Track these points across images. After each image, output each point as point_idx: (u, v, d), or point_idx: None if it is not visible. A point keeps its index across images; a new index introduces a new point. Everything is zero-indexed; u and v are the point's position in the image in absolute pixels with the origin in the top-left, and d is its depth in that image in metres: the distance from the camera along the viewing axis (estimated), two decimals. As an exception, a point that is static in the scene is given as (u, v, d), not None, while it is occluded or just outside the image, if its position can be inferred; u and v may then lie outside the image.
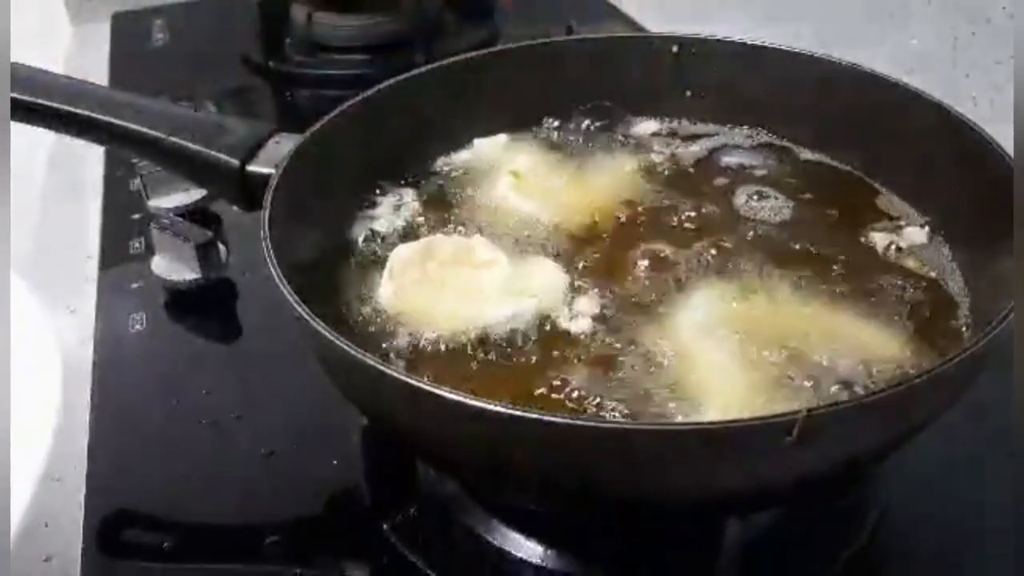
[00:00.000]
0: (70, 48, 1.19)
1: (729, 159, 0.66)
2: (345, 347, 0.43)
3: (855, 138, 0.63)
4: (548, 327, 0.52)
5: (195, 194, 0.75)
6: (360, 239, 0.60)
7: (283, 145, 0.58)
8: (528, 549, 0.52)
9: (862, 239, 0.58)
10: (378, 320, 0.53)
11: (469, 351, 0.51)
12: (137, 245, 0.76)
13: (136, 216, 0.78)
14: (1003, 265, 0.49)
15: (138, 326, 0.68)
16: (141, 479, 0.57)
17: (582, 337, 0.51)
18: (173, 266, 0.71)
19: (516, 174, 0.63)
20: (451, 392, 0.40)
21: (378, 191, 0.63)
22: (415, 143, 0.66)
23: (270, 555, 0.53)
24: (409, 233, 0.60)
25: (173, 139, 0.58)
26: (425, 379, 0.41)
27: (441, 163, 0.66)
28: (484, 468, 0.46)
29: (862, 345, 0.50)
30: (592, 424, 0.41)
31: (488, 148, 0.67)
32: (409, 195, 0.63)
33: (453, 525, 0.54)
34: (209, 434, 0.60)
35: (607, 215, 0.61)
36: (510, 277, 0.55)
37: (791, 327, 0.51)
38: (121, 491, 0.57)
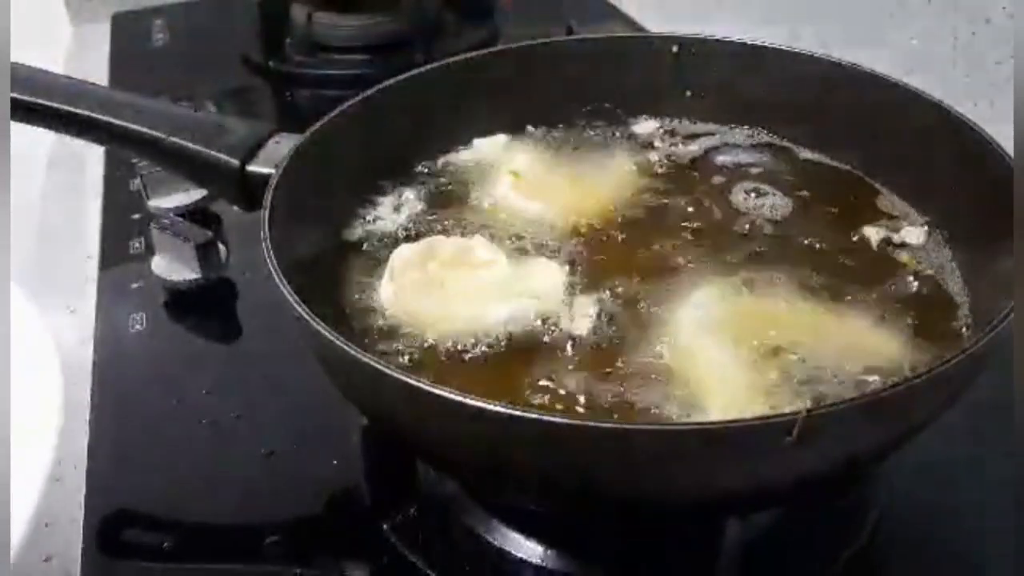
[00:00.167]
0: (70, 48, 1.19)
1: (729, 159, 0.66)
2: (345, 347, 0.43)
3: (855, 138, 0.63)
4: (548, 327, 0.52)
5: (195, 194, 0.75)
6: (360, 239, 0.60)
7: (283, 145, 0.58)
8: (528, 549, 0.52)
9: (862, 239, 0.58)
10: (378, 320, 0.53)
11: (469, 351, 0.51)
12: (137, 245, 0.76)
13: (136, 216, 0.78)
14: (1003, 265, 0.49)
15: (138, 326, 0.68)
16: (141, 479, 0.57)
17: (582, 337, 0.51)
18: (173, 266, 0.71)
19: (516, 174, 0.63)
20: (451, 392, 0.40)
21: (378, 191, 0.63)
22: (415, 143, 0.66)
23: (270, 555, 0.53)
24: (409, 233, 0.60)
25: (173, 139, 0.58)
26: (425, 379, 0.41)
27: (441, 163, 0.66)
28: (484, 468, 0.46)
29: (862, 345, 0.50)
30: (592, 424, 0.41)
31: (488, 148, 0.67)
32: (409, 195, 0.63)
33: (453, 525, 0.54)
34: (209, 434, 0.60)
35: (607, 215, 0.61)
36: (510, 277, 0.55)
37: (791, 327, 0.51)
38: (121, 491, 0.57)
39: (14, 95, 0.57)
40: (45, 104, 0.59)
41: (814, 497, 0.51)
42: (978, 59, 0.82)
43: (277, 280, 0.46)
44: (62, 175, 0.92)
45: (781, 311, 0.52)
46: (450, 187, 0.64)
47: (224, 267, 0.72)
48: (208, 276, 0.70)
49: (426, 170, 0.66)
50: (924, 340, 0.50)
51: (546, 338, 0.52)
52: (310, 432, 0.59)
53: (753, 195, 0.62)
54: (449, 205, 0.63)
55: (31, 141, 0.77)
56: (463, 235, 0.59)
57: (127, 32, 1.16)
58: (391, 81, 0.64)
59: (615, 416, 0.47)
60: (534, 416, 0.40)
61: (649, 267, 0.56)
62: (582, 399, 0.48)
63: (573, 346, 0.51)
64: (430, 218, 0.61)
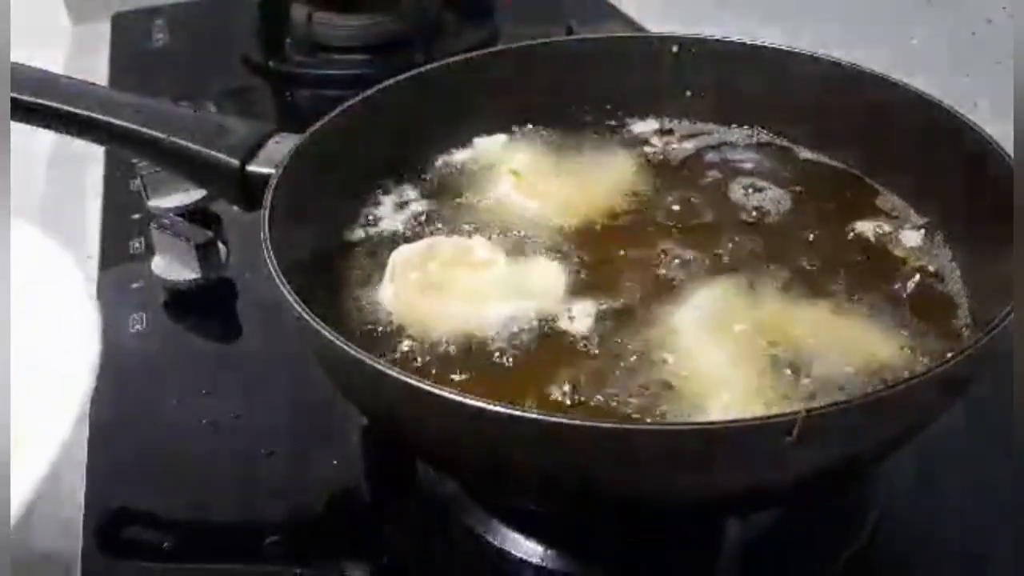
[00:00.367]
0: (70, 48, 1.19)
1: (729, 159, 0.66)
2: (345, 347, 0.43)
3: (855, 138, 0.63)
4: (548, 327, 0.52)
5: (195, 194, 0.75)
6: (360, 239, 0.60)
7: (283, 145, 0.58)
8: (528, 549, 0.52)
9: (862, 239, 0.58)
10: (378, 320, 0.53)
11: (469, 351, 0.51)
12: (137, 245, 0.76)
13: (136, 216, 0.78)
14: (1003, 265, 0.49)
15: (138, 326, 0.68)
16: (141, 479, 0.57)
17: (582, 337, 0.51)
18: (173, 266, 0.71)
19: (516, 173, 0.63)
20: (451, 392, 0.40)
21: (378, 191, 0.63)
22: (415, 143, 0.66)
23: (270, 555, 0.52)
24: (409, 233, 0.60)
25: (173, 139, 0.58)
26: (425, 379, 0.41)
27: (441, 162, 0.66)
28: (484, 468, 0.46)
29: (862, 345, 0.50)
30: (592, 424, 0.41)
31: (488, 147, 0.67)
32: (409, 195, 0.63)
33: (453, 525, 0.54)
34: (209, 434, 0.60)
35: (607, 214, 0.61)
36: (510, 277, 0.55)
37: (792, 327, 0.51)
38: (121, 491, 0.57)
39: (14, 95, 0.57)
40: (45, 104, 0.59)
41: (814, 497, 0.51)
42: (978, 59, 0.82)
43: (277, 280, 0.46)
44: (62, 175, 0.92)
45: (781, 311, 0.52)
46: (450, 187, 0.64)
47: (224, 267, 0.72)
48: (208, 276, 0.70)
49: (426, 170, 0.66)
50: (924, 340, 0.50)
51: (546, 338, 0.52)
52: (310, 432, 0.59)
53: (753, 195, 0.62)
54: (449, 205, 0.63)
55: (31, 141, 0.77)
56: (463, 235, 0.59)
57: (127, 32, 1.16)
58: (391, 81, 0.64)
59: (615, 416, 0.47)
60: (534, 416, 0.40)
61: (649, 267, 0.56)
62: (582, 399, 0.48)
63: (573, 346, 0.51)
64: (430, 218, 0.61)
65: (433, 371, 0.50)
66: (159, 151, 0.59)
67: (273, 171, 0.55)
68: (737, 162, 0.65)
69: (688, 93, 0.69)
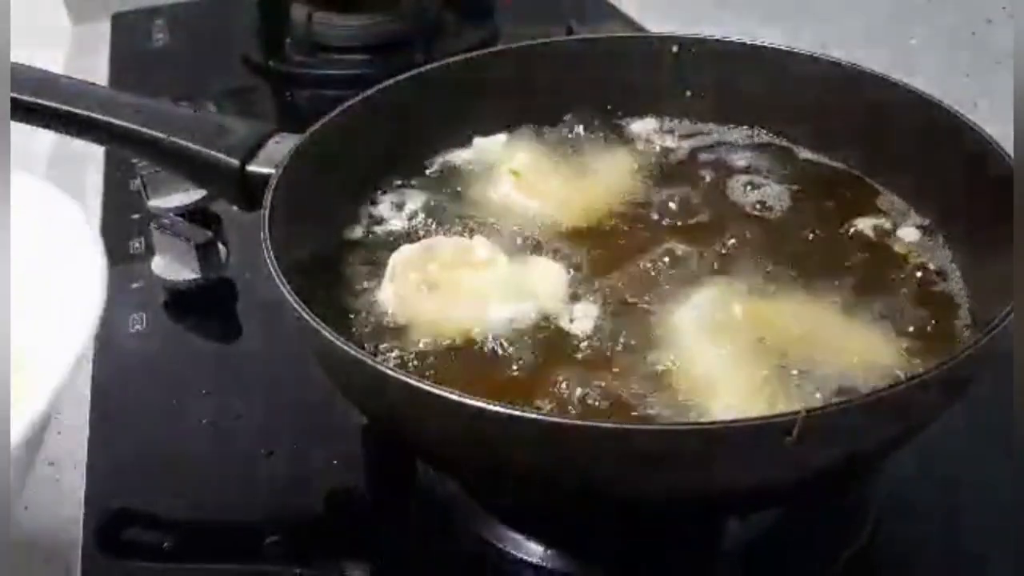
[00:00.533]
0: (70, 48, 1.19)
1: (729, 159, 0.66)
2: (345, 347, 0.43)
3: (855, 138, 0.63)
4: (549, 327, 0.52)
5: (195, 194, 0.75)
6: (360, 239, 0.60)
7: (283, 145, 0.58)
8: (528, 549, 0.52)
9: (862, 239, 0.58)
10: (379, 320, 0.53)
11: (470, 352, 0.51)
12: (137, 245, 0.76)
13: (136, 216, 0.78)
14: (1003, 265, 0.49)
15: (138, 326, 0.68)
16: (141, 479, 0.57)
17: (582, 337, 0.51)
18: (173, 266, 0.71)
19: (517, 173, 0.63)
20: (451, 392, 0.40)
21: (378, 191, 0.63)
22: (415, 143, 0.66)
23: (270, 555, 0.52)
24: (410, 233, 0.60)
25: (173, 139, 0.58)
26: (425, 379, 0.41)
27: (441, 162, 0.66)
28: (484, 468, 0.46)
29: (862, 345, 0.50)
30: (592, 424, 0.41)
31: (488, 147, 0.67)
32: (409, 195, 0.63)
33: (453, 525, 0.54)
34: (209, 434, 0.60)
35: (607, 214, 0.61)
36: (510, 277, 0.55)
37: (792, 327, 0.51)
38: (121, 491, 0.57)
39: (14, 95, 0.57)
40: (45, 104, 0.59)
41: (814, 497, 0.51)
42: (978, 59, 0.82)
43: (277, 280, 0.46)
44: (62, 175, 0.92)
45: (781, 311, 0.52)
46: (450, 187, 0.64)
47: (224, 267, 0.72)
48: (208, 276, 0.70)
49: (426, 170, 0.66)
50: (924, 340, 0.50)
51: (546, 338, 0.52)
52: (310, 432, 0.59)
53: (752, 194, 0.62)
54: (449, 205, 0.62)
55: (31, 141, 0.77)
56: (463, 235, 0.59)
57: (127, 32, 1.16)
58: (391, 81, 0.64)
59: (615, 416, 0.47)
60: (534, 416, 0.40)
61: (649, 266, 0.56)
62: (582, 399, 0.48)
63: (573, 346, 0.51)
64: (430, 218, 0.61)
65: (433, 371, 0.50)
66: (159, 151, 0.59)
67: (273, 171, 0.55)
68: (737, 162, 0.65)
69: (688, 93, 0.69)
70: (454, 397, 0.40)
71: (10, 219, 0.49)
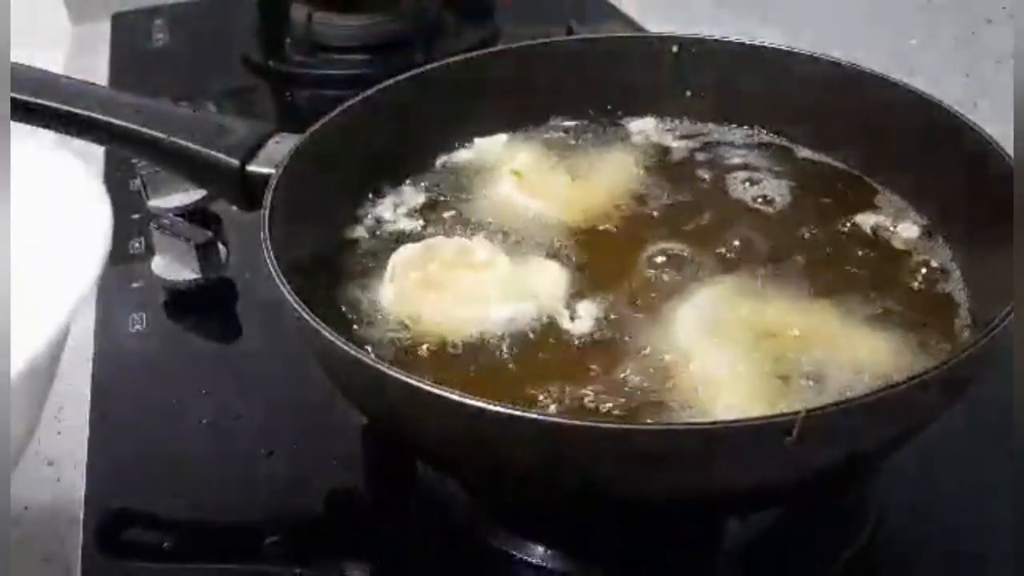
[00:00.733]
0: (70, 48, 1.19)
1: (729, 158, 0.66)
2: (345, 347, 0.43)
3: (855, 138, 0.63)
4: (549, 328, 0.52)
5: (195, 194, 0.75)
6: (360, 239, 0.60)
7: (283, 145, 0.57)
8: (528, 549, 0.52)
9: (861, 239, 0.58)
10: (379, 321, 0.53)
11: (470, 352, 0.51)
12: (137, 245, 0.76)
13: (136, 216, 0.78)
14: (1003, 265, 0.49)
15: (138, 326, 0.68)
16: (141, 479, 0.57)
17: (583, 337, 0.51)
18: (173, 266, 0.71)
19: (518, 173, 0.63)
20: (451, 392, 0.40)
21: (378, 191, 0.63)
22: (415, 143, 0.66)
23: (270, 555, 0.52)
24: (410, 233, 0.60)
25: (173, 139, 0.58)
26: (425, 379, 0.41)
27: (441, 163, 0.66)
28: (484, 468, 0.46)
29: (862, 345, 0.50)
30: (592, 424, 0.41)
31: (488, 147, 0.67)
32: (409, 195, 0.63)
33: (453, 525, 0.54)
34: (209, 434, 0.60)
35: (608, 214, 0.61)
36: (511, 278, 0.55)
37: (792, 327, 0.51)
38: (121, 491, 0.57)
39: (14, 95, 0.57)
40: (45, 104, 0.59)
41: (814, 497, 0.51)
42: (978, 59, 0.82)
43: (277, 280, 0.46)
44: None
45: (782, 311, 0.52)
46: (451, 187, 0.64)
47: (224, 267, 0.72)
48: (208, 276, 0.70)
49: (427, 170, 0.66)
50: (924, 340, 0.50)
51: (547, 338, 0.52)
52: (310, 432, 0.59)
53: (753, 194, 0.62)
54: (450, 205, 0.63)
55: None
56: (464, 235, 0.59)
57: (127, 32, 1.16)
58: (391, 81, 0.64)
59: (615, 416, 0.47)
60: (534, 416, 0.40)
61: (650, 266, 0.56)
62: (582, 399, 0.48)
63: (574, 346, 0.51)
64: (431, 218, 0.61)
65: (433, 371, 0.50)
66: (159, 151, 0.59)
67: (273, 171, 0.55)
68: (737, 162, 0.65)
69: (688, 93, 0.69)
70: (454, 397, 0.40)
71: (10, 219, 0.49)
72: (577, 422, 0.41)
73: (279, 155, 0.56)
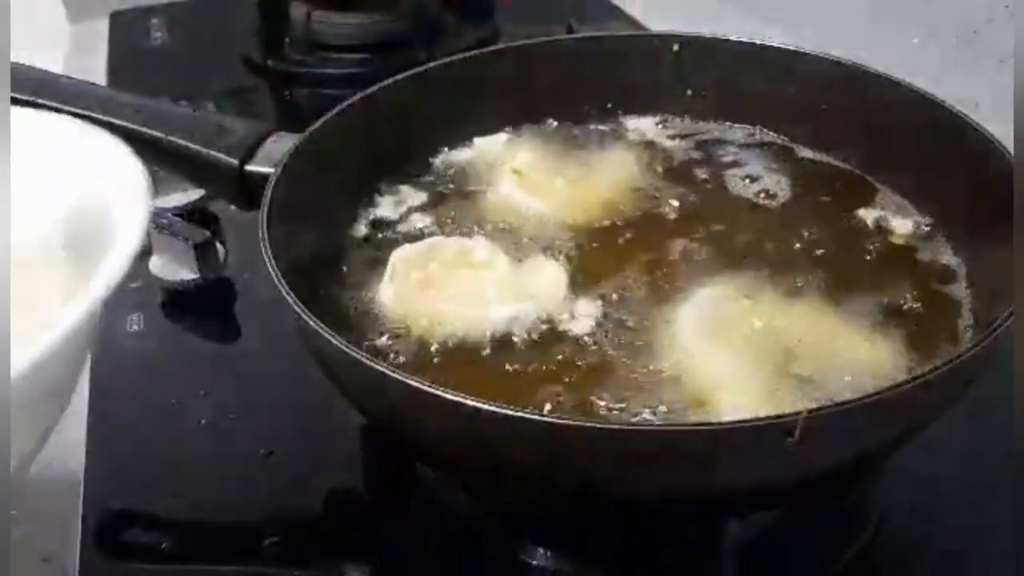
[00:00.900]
0: (69, 47, 1.19)
1: (730, 157, 0.66)
2: (345, 348, 0.43)
3: (856, 137, 0.63)
4: (549, 328, 0.52)
5: (194, 194, 0.74)
6: (360, 239, 0.60)
7: (282, 144, 0.57)
8: (528, 549, 0.52)
9: (862, 238, 0.58)
10: (379, 321, 0.53)
11: (470, 352, 0.51)
12: (136, 245, 0.76)
13: (135, 215, 0.78)
14: (1005, 264, 0.48)
15: (136, 326, 0.68)
16: (141, 479, 0.57)
17: (583, 337, 0.51)
18: (171, 266, 0.71)
19: (518, 172, 0.63)
20: (450, 392, 0.40)
21: (378, 191, 0.63)
22: (415, 142, 0.65)
23: (270, 555, 0.52)
24: (410, 233, 0.60)
25: (172, 139, 0.58)
26: (425, 380, 0.41)
27: (441, 162, 0.66)
28: (484, 468, 0.46)
29: (863, 345, 0.50)
30: (592, 424, 0.41)
31: (489, 146, 0.67)
32: (409, 194, 0.63)
33: (452, 525, 0.54)
34: (208, 434, 0.59)
35: (609, 214, 0.61)
36: (511, 278, 0.55)
37: (793, 327, 0.51)
38: (121, 491, 0.57)
39: (14, 95, 0.57)
40: (45, 104, 0.58)
41: (815, 497, 0.51)
42: (978, 59, 0.82)
43: (276, 280, 0.46)
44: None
45: (782, 310, 0.52)
46: (451, 186, 0.64)
47: (222, 267, 0.72)
48: (206, 276, 0.70)
49: (426, 169, 0.65)
50: (925, 340, 0.50)
51: (547, 338, 0.52)
52: (310, 432, 0.59)
53: (753, 193, 0.62)
54: (450, 204, 0.62)
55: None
56: (464, 235, 0.59)
57: (125, 31, 1.15)
58: (391, 80, 0.64)
59: (616, 416, 0.46)
60: (533, 416, 0.40)
61: (651, 266, 0.56)
62: (583, 399, 0.48)
63: (574, 346, 0.51)
64: (431, 218, 0.61)
65: (433, 372, 0.50)
66: (158, 151, 0.59)
67: (272, 170, 0.55)
68: (738, 161, 0.65)
69: (689, 92, 0.69)
70: (453, 397, 0.40)
71: (10, 219, 0.49)
72: (576, 422, 0.40)
73: (278, 154, 0.56)
